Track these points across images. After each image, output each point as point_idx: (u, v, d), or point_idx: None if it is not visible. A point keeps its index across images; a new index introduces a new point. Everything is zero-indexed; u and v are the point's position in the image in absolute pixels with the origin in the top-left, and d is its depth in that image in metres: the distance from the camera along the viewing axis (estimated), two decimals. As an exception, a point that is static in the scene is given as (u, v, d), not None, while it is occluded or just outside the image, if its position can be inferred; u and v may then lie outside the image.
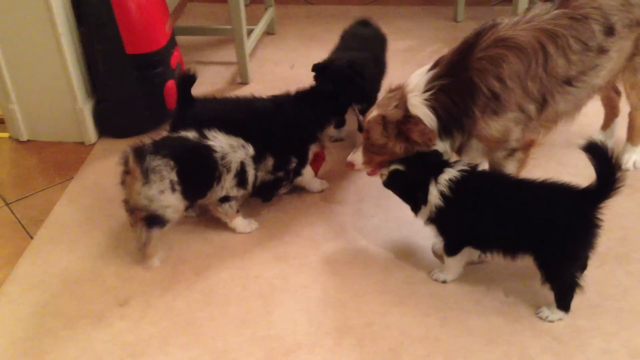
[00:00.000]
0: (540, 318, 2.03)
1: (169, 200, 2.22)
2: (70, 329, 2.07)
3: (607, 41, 2.14)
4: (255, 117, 2.46)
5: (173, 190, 2.21)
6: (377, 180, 2.54)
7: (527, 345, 1.94)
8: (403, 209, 2.22)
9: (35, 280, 2.26)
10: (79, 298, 2.18)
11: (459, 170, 2.04)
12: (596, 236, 1.94)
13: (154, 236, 2.27)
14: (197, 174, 2.28)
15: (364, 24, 2.96)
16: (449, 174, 2.03)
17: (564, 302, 2.01)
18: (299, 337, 2.01)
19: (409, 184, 2.12)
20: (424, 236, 2.34)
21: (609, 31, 2.14)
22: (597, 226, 1.92)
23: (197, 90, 2.83)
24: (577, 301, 2.06)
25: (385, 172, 2.16)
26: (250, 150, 2.36)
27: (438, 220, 2.09)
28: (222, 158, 2.29)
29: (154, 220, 2.24)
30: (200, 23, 4.12)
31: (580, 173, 2.21)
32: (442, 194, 2.02)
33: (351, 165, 2.28)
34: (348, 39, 2.87)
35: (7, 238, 2.47)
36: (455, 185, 2.02)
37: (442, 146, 2.13)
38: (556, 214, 1.95)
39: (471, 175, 2.05)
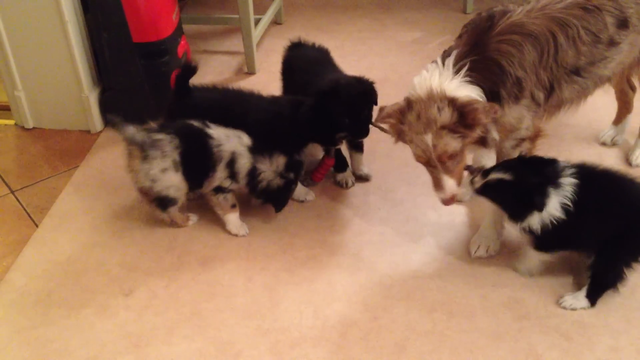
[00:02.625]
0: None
1: (171, 180, 2.23)
2: (75, 318, 2.06)
3: (620, 34, 2.10)
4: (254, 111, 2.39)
5: (176, 169, 2.22)
6: (382, 173, 2.52)
7: (535, 342, 1.93)
8: (410, 202, 2.20)
9: (39, 268, 2.25)
10: (84, 287, 2.17)
11: (572, 172, 1.92)
12: None
13: (174, 212, 2.35)
14: (199, 159, 2.26)
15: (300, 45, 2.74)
16: (568, 179, 1.90)
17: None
18: (304, 330, 2.00)
19: (520, 192, 1.91)
20: (431, 230, 2.34)
21: (623, 24, 2.09)
22: None
23: (203, 80, 2.80)
24: (585, 298, 2.05)
25: (478, 179, 1.98)
26: (245, 139, 2.28)
27: (548, 229, 1.92)
28: (218, 146, 2.24)
29: (163, 202, 2.29)
30: (207, 12, 4.10)
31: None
32: (562, 203, 1.89)
33: (452, 199, 2.02)
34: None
35: (12, 226, 2.46)
36: (577, 190, 1.89)
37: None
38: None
39: (585, 175, 1.92)
